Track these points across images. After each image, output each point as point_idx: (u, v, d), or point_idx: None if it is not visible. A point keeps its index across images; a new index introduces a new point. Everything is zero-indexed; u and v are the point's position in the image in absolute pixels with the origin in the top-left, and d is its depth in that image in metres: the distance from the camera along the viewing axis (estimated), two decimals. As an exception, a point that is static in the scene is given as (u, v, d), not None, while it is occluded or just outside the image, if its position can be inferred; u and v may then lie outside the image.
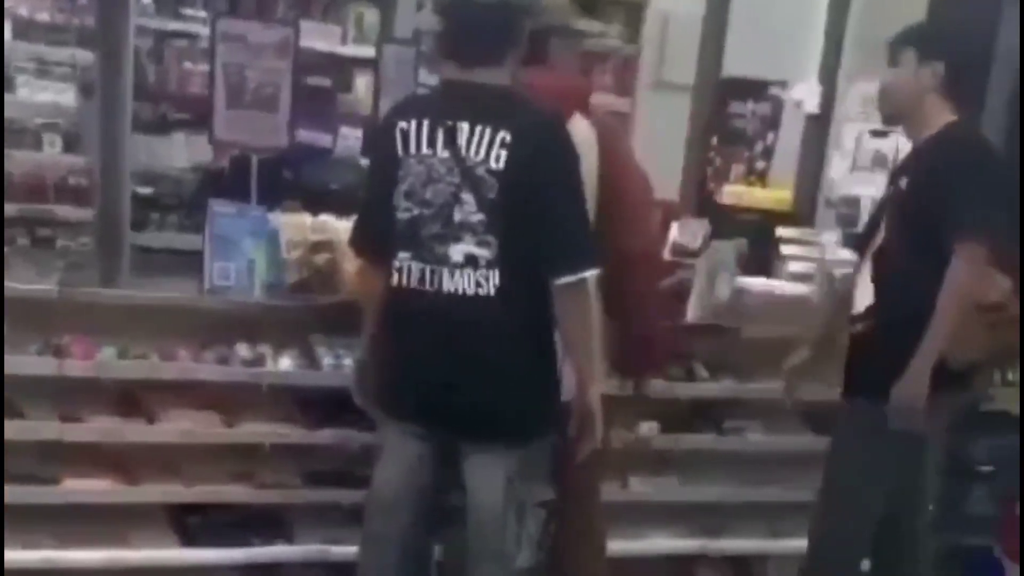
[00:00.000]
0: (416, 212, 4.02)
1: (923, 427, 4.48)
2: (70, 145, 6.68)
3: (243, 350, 4.83)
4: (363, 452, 4.88)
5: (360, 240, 4.30)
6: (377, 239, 4.15)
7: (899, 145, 6.17)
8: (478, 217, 3.96)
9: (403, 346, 4.13)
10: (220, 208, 4.97)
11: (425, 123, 4.02)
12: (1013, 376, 5.36)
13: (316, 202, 5.34)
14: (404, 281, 4.06)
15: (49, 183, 6.32)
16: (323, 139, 5.88)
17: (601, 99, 6.30)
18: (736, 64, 6.38)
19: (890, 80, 4.65)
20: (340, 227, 5.06)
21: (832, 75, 6.47)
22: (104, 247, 5.12)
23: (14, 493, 4.46)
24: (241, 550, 4.76)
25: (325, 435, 4.86)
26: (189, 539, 4.74)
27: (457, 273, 3.99)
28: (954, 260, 4.33)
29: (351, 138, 5.91)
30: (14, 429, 4.46)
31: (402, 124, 4.05)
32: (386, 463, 4.24)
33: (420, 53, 5.95)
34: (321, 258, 5.01)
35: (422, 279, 4.03)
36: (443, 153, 3.99)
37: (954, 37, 4.66)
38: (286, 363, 4.85)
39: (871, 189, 6.15)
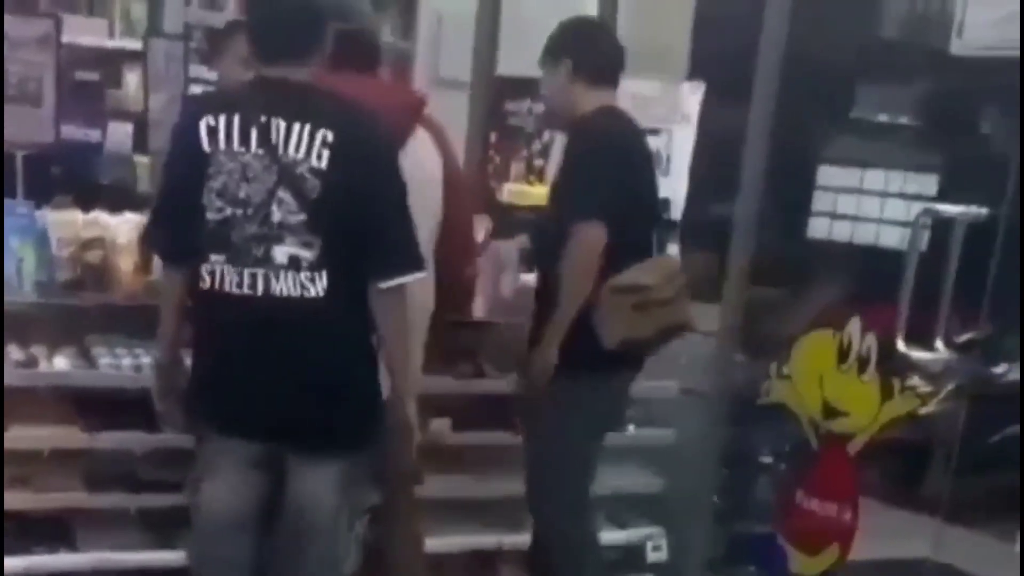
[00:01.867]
0: (229, 212, 3.87)
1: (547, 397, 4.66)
2: None
3: (15, 352, 4.64)
4: (148, 455, 4.77)
5: (158, 240, 4.14)
6: (178, 239, 3.99)
7: (670, 143, 6.31)
8: (299, 218, 3.84)
9: (221, 354, 3.99)
10: (-18, 208, 4.76)
11: (236, 118, 3.87)
12: (787, 370, 5.44)
13: (87, 198, 5.14)
14: (217, 285, 3.90)
15: None
16: (92, 134, 5.68)
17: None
18: (511, 63, 6.40)
19: (543, 90, 4.91)
20: (112, 223, 4.94)
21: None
22: None
23: None
24: (21, 559, 4.56)
25: (107, 438, 4.69)
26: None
27: (282, 275, 3.86)
28: (569, 240, 4.51)
29: (121, 133, 5.73)
30: None
31: (208, 119, 3.88)
32: (214, 482, 4.06)
33: (189, 48, 5.81)
34: (94, 255, 4.86)
35: (240, 282, 3.88)
36: (258, 150, 3.85)
37: (579, 35, 4.84)
38: (62, 363, 4.70)
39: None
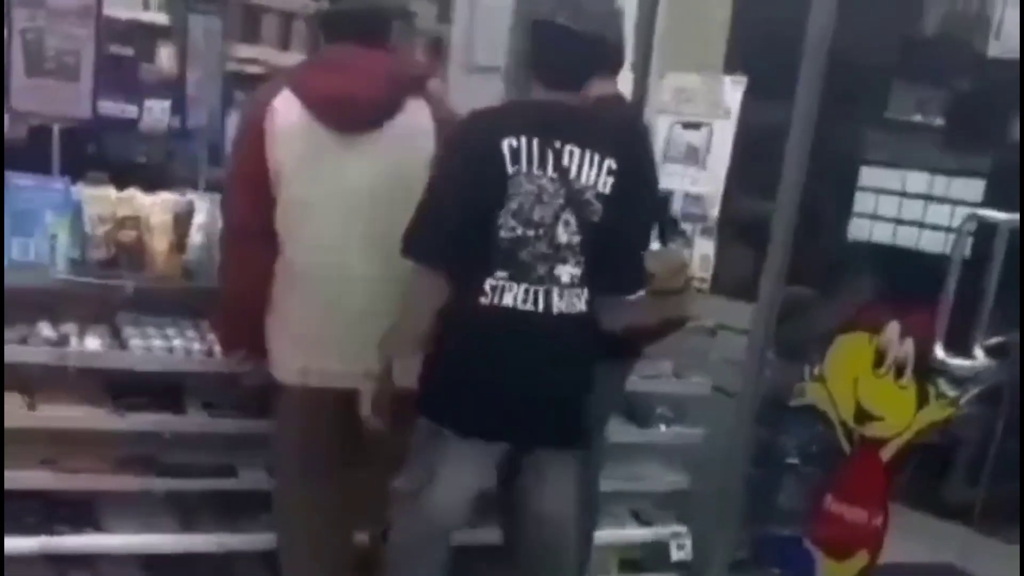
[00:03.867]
0: (520, 232, 4.07)
1: None
2: None
3: (46, 329, 4.55)
4: (175, 438, 4.71)
5: (433, 252, 4.11)
6: (457, 254, 4.08)
7: (710, 137, 6.20)
8: (577, 239, 4.10)
9: (488, 361, 4.13)
10: (18, 181, 4.67)
11: (535, 142, 4.06)
12: (821, 371, 5.35)
13: (122, 175, 5.06)
14: (499, 299, 4.08)
15: None
16: (129, 110, 5.59)
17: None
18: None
19: None
20: (147, 202, 4.85)
21: (644, 67, 6.43)
22: None
23: None
24: (48, 539, 4.49)
25: (135, 420, 4.61)
26: (-14, 528, 4.44)
27: (565, 293, 4.11)
28: None
29: (158, 110, 5.64)
30: None
31: (510, 140, 4.05)
32: (444, 479, 4.21)
33: (227, 23, 5.71)
34: (128, 234, 4.78)
35: (524, 299, 4.08)
36: (552, 174, 4.07)
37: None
38: (92, 343, 4.59)
39: (684, 182, 6.16)
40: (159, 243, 4.78)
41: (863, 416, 5.16)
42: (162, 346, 4.65)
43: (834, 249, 5.99)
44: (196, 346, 4.70)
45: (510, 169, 4.04)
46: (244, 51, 6.17)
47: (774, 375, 5.59)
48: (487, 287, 4.06)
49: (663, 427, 5.61)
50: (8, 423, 4.40)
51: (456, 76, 6.53)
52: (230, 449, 4.82)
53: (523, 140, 4.05)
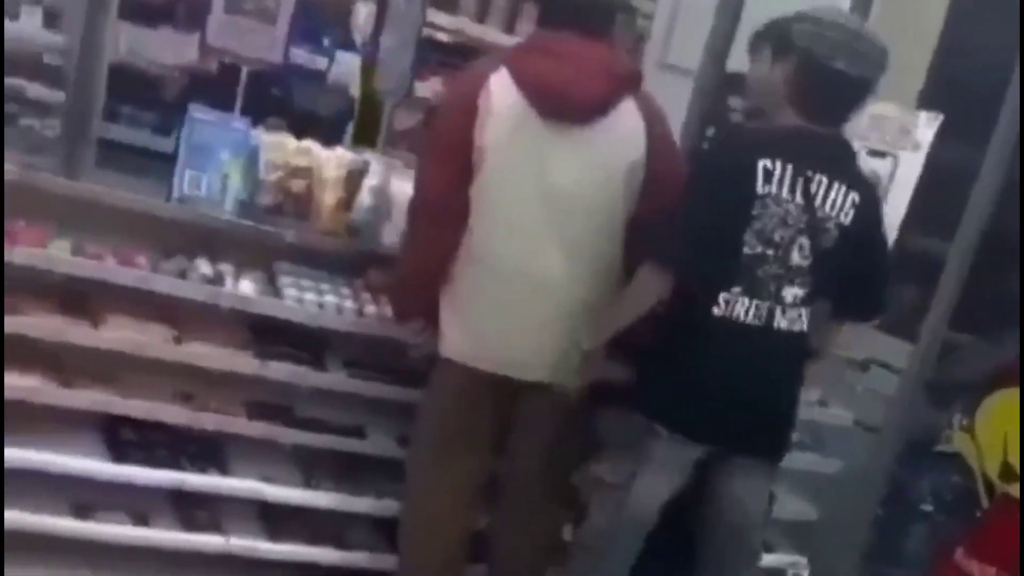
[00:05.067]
0: (760, 251, 4.12)
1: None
2: (51, 21, 6.25)
3: (203, 266, 4.53)
4: (311, 393, 4.67)
5: (676, 257, 4.14)
6: (697, 263, 4.12)
7: (896, 168, 5.94)
8: (807, 262, 4.16)
9: (708, 368, 4.19)
10: (200, 114, 4.66)
11: (789, 168, 4.12)
12: (971, 422, 5.12)
13: (302, 125, 5.00)
14: (730, 311, 4.13)
15: (22, 57, 5.87)
16: (320, 62, 5.52)
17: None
18: (743, 59, 6.08)
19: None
20: (323, 155, 4.80)
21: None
22: (70, 134, 4.72)
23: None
24: (171, 473, 4.47)
25: (275, 369, 4.56)
26: (119, 454, 4.45)
27: (789, 312, 4.17)
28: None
29: (347, 66, 5.55)
30: (-53, 311, 4.14)
31: (766, 163, 4.10)
32: (654, 476, 4.28)
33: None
34: (299, 184, 4.74)
35: (752, 313, 4.14)
36: (799, 200, 4.12)
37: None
38: (246, 287, 4.56)
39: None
40: (328, 197, 4.73)
41: (1009, 474, 4.93)
42: (314, 300, 4.59)
43: (1004, 298, 5.68)
44: (348, 304, 4.64)
45: (761, 190, 4.09)
46: (441, 19, 6.02)
47: (919, 416, 5.43)
48: (721, 299, 4.12)
49: (799, 453, 5.37)
50: (152, 354, 4.40)
51: (647, 73, 6.33)
52: (363, 411, 4.77)
53: (778, 164, 4.10)
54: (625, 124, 4.22)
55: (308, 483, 4.67)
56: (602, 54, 4.23)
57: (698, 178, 4.20)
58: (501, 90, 4.16)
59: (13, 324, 4.21)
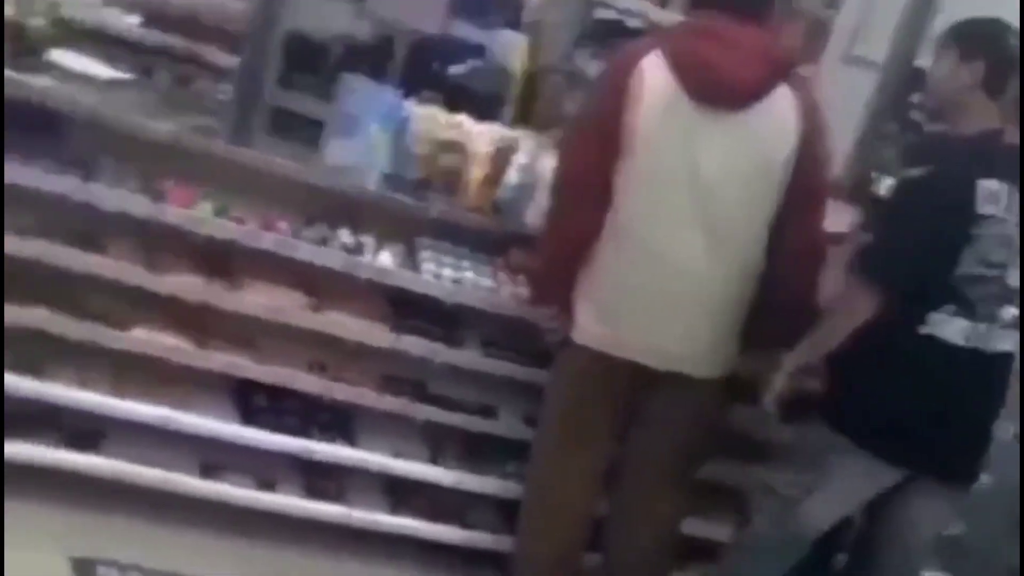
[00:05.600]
0: (978, 272, 3.99)
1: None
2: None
3: (345, 235, 4.50)
4: (444, 370, 4.60)
5: (889, 276, 4.01)
6: (910, 284, 3.99)
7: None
8: (1017, 281, 4.03)
9: (922, 392, 4.04)
10: (352, 84, 4.63)
11: (1006, 187, 4.00)
12: None
13: (457, 100, 4.91)
14: (940, 332, 3.99)
15: (202, 21, 5.90)
16: (480, 37, 5.42)
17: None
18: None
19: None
20: (474, 131, 4.73)
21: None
22: (242, 100, 4.72)
23: (81, 329, 4.19)
24: (299, 441, 4.47)
25: (410, 342, 4.51)
26: (249, 417, 4.46)
27: (1004, 333, 4.05)
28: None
29: (508, 42, 5.43)
30: (94, 264, 4.18)
31: (988, 183, 3.98)
32: (835, 492, 4.14)
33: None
34: (448, 159, 4.68)
35: (965, 335, 4.00)
36: (1010, 217, 3.99)
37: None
38: (386, 259, 4.51)
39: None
40: (475, 173, 4.68)
41: None
42: (452, 276, 4.54)
43: None
44: (485, 282, 4.58)
45: (982, 210, 3.94)
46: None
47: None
48: (930, 318, 3.98)
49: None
50: (288, 320, 4.39)
51: (831, 65, 6.09)
52: (494, 391, 4.70)
53: (997, 184, 3.97)
54: (778, 112, 4.05)
55: (434, 460, 4.63)
56: (758, 38, 4.07)
57: (914, 196, 4.05)
58: (653, 72, 4.02)
59: (156, 283, 4.25)
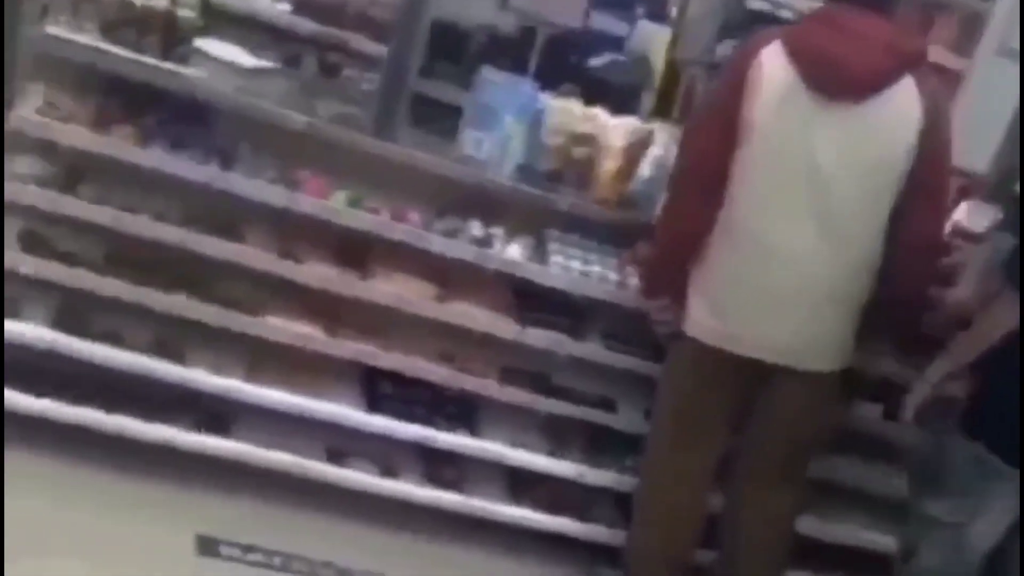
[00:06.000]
0: None
1: None
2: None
3: (475, 227, 4.54)
4: (569, 363, 4.62)
5: None
6: None
7: None
8: None
9: None
10: (490, 75, 4.68)
11: None
12: None
13: (595, 92, 4.90)
14: None
15: (350, 10, 5.96)
16: (620, 28, 5.39)
17: (939, 55, 5.56)
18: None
19: None
20: (610, 124, 4.73)
21: None
22: (387, 88, 4.77)
23: (216, 315, 4.31)
24: (423, 429, 4.52)
25: (535, 335, 4.53)
26: (375, 405, 4.53)
27: None
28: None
29: (648, 34, 5.40)
30: (232, 252, 4.29)
31: None
32: (995, 514, 3.89)
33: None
34: (581, 151, 4.69)
35: None
36: None
37: None
38: (515, 251, 4.54)
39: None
40: (608, 166, 4.68)
41: None
42: (580, 269, 4.55)
43: None
44: (611, 275, 4.57)
45: None
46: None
47: None
48: None
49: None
50: (416, 311, 4.45)
51: (984, 58, 5.90)
52: (616, 384, 4.69)
53: None
54: (900, 104, 3.96)
55: (554, 452, 4.64)
56: (882, 28, 3.98)
57: None
58: (772, 63, 3.99)
59: (291, 271, 4.34)
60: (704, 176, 4.11)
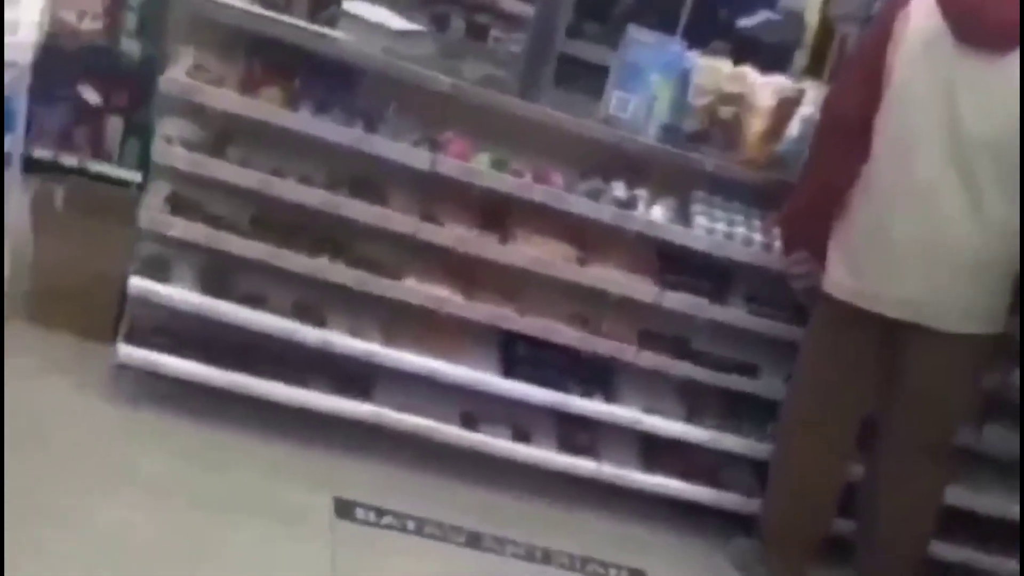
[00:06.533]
0: None
1: None
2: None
3: (618, 189, 4.45)
4: (707, 327, 4.50)
5: None
6: None
7: None
8: None
9: None
10: (636, 34, 4.55)
11: None
12: None
13: (743, 51, 4.75)
14: None
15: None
16: (770, -17, 5.23)
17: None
18: None
19: None
20: (758, 83, 4.58)
21: None
22: (534, 49, 4.68)
23: (356, 278, 4.30)
24: (557, 394, 4.46)
25: (674, 298, 4.43)
26: (510, 369, 4.49)
27: None
28: None
29: (804, -10, 5.23)
30: (374, 215, 4.27)
31: None
32: None
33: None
34: (727, 111, 4.57)
35: None
36: None
37: None
38: (658, 213, 4.44)
39: None
40: (756, 126, 4.54)
41: None
42: (724, 231, 4.44)
43: None
44: (757, 238, 4.45)
45: None
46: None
47: None
48: None
49: None
50: (555, 273, 4.38)
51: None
52: (757, 349, 4.57)
53: None
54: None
55: (690, 418, 4.54)
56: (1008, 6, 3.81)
57: None
58: (920, 13, 3.89)
59: (431, 233, 4.31)
60: (848, 128, 4.02)
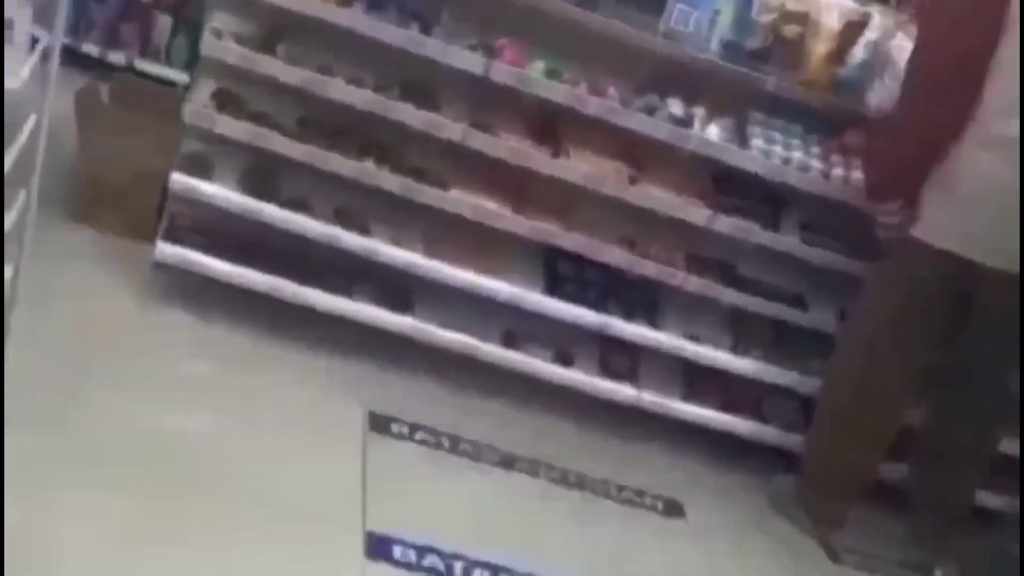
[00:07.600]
0: None
1: None
2: None
3: (675, 106, 4.25)
4: (758, 252, 4.30)
5: None
6: None
7: None
8: None
9: None
10: (708, -54, 4.27)
11: None
12: None
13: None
14: None
15: None
16: None
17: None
18: None
19: None
20: (824, 3, 4.33)
21: None
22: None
23: (402, 185, 4.11)
24: (599, 316, 4.27)
25: (725, 222, 4.23)
26: (553, 288, 4.31)
27: None
28: None
29: None
30: (423, 120, 4.07)
31: None
32: None
33: None
34: (791, 29, 4.32)
35: None
36: None
37: None
38: (714, 132, 4.23)
39: None
40: (820, 47, 4.31)
41: None
42: (781, 154, 4.24)
43: None
44: (815, 164, 4.24)
45: None
46: None
47: None
48: None
49: None
50: (606, 191, 4.19)
51: None
52: (809, 279, 4.37)
53: None
54: None
55: (735, 347, 4.36)
56: None
57: None
58: None
59: (483, 143, 4.11)
60: (955, 72, 3.73)
